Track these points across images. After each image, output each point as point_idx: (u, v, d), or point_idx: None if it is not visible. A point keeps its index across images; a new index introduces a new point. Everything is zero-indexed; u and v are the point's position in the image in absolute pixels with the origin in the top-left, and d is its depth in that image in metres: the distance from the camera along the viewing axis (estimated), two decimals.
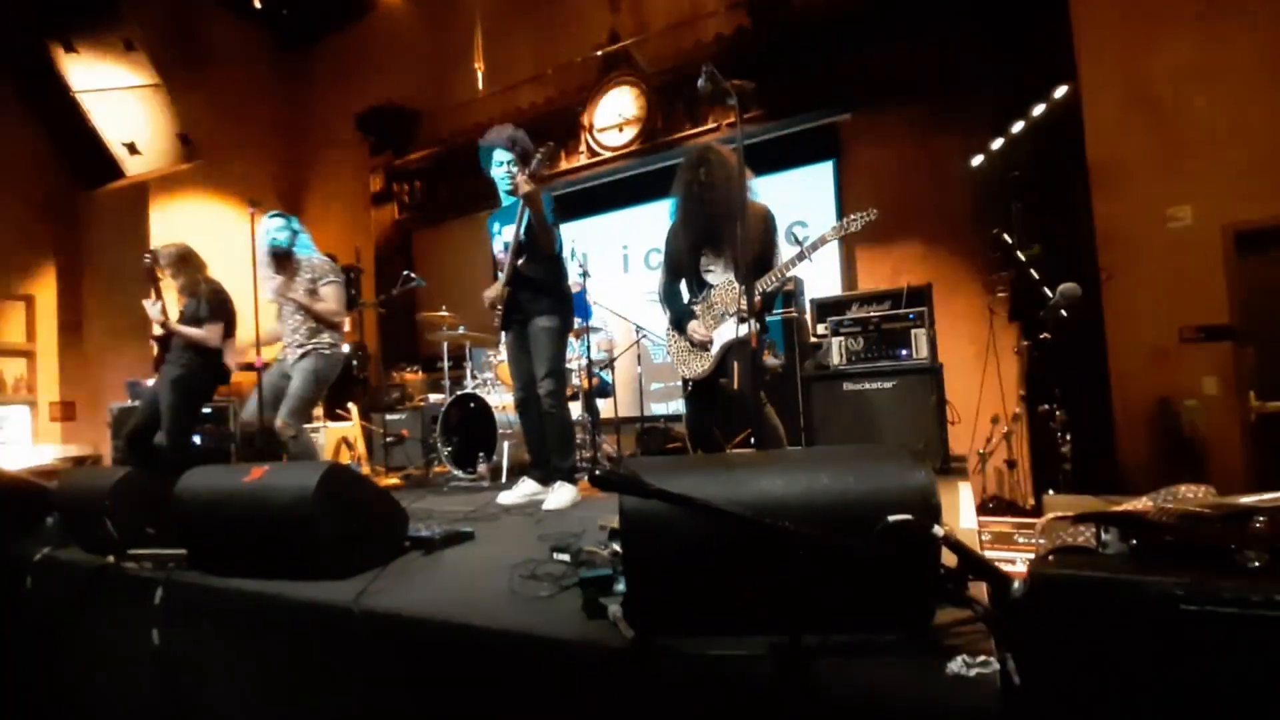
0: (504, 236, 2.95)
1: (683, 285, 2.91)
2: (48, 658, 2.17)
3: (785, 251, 2.77)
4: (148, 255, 3.61)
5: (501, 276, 2.92)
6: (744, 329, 2.58)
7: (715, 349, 2.76)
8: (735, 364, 2.66)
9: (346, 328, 3.48)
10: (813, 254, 2.62)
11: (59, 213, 6.89)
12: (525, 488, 2.96)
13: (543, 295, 2.88)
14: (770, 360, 3.22)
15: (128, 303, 3.70)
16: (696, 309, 2.82)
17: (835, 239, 2.67)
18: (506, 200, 3.02)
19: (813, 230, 5.26)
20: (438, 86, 7.07)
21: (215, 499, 1.83)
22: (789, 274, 2.73)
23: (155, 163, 6.25)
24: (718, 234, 2.72)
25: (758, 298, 2.60)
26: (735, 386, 2.67)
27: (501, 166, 2.93)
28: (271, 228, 3.25)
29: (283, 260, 3.25)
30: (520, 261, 2.84)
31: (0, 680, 2.31)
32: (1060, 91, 3.91)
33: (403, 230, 7.38)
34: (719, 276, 2.80)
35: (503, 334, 3.07)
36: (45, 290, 6.84)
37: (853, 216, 2.61)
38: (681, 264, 2.86)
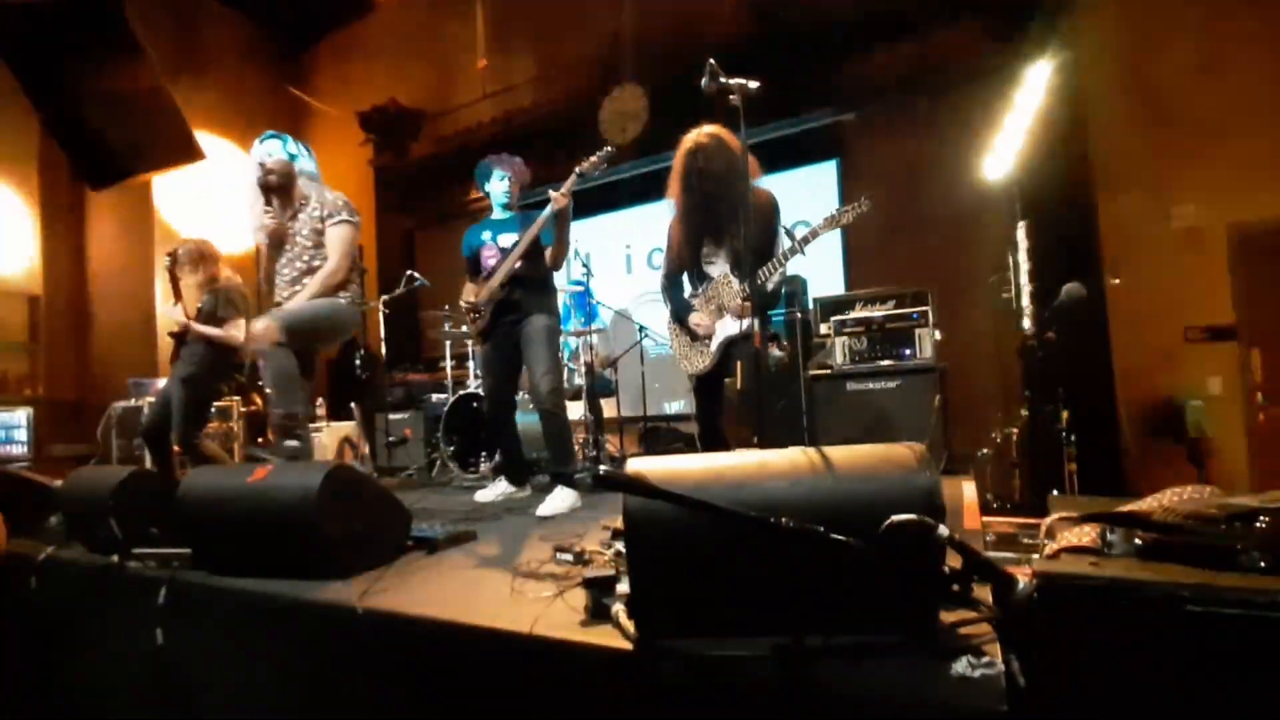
0: (500, 243, 2.94)
1: (684, 278, 2.85)
2: (52, 657, 2.18)
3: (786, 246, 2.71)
4: (168, 255, 3.49)
5: (495, 277, 2.86)
6: (745, 323, 2.50)
7: (715, 344, 2.70)
8: (739, 361, 2.58)
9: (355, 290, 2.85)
10: (805, 247, 2.55)
11: (64, 212, 6.91)
12: (500, 487, 3.02)
13: (539, 294, 2.88)
14: (774, 352, 3.12)
15: (132, 301, 3.66)
16: (696, 302, 2.76)
17: (828, 231, 2.59)
18: (502, 214, 3.04)
19: None
20: (440, 86, 7.07)
21: (219, 499, 1.84)
22: (783, 269, 2.63)
23: (160, 162, 6.27)
24: (718, 224, 2.64)
25: (760, 282, 2.51)
26: (739, 385, 2.59)
27: (503, 181, 2.99)
28: (264, 152, 2.69)
29: (280, 193, 2.71)
30: (519, 264, 2.83)
31: (5, 679, 2.32)
32: (1065, 90, 3.89)
33: (405, 230, 7.39)
34: (718, 269, 2.73)
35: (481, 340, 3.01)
36: (50, 289, 6.87)
37: (844, 207, 2.57)
38: (682, 257, 2.79)
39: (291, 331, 2.53)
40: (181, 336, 3.47)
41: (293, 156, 2.74)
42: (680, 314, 2.78)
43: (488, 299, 2.87)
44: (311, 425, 5.61)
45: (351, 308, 2.78)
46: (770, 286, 2.63)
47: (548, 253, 2.84)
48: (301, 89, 8.26)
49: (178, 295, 3.45)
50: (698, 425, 2.88)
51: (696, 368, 2.76)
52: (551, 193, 2.71)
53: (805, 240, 2.55)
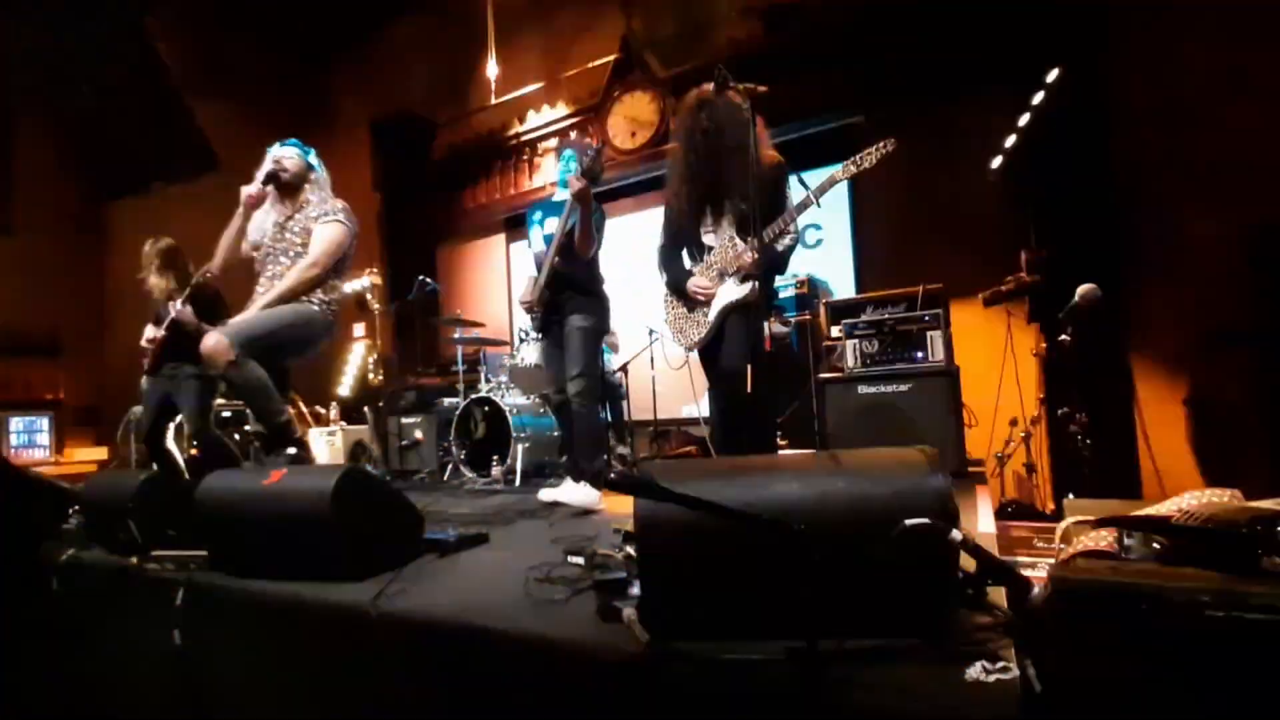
0: (545, 229, 3.00)
1: (684, 255, 2.66)
2: (72, 657, 2.21)
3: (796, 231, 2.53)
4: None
5: (540, 276, 2.92)
6: (746, 288, 2.36)
7: (714, 313, 2.48)
8: (727, 334, 2.40)
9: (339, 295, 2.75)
10: (820, 198, 2.39)
11: (85, 222, 7.06)
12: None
13: (578, 294, 2.90)
14: (776, 327, 2.93)
15: (150, 311, 3.71)
16: (696, 270, 2.56)
17: (846, 178, 2.44)
18: (562, 193, 3.03)
19: (827, 234, 5.25)
20: (452, 96, 7.14)
21: (235, 501, 1.86)
22: (794, 229, 2.49)
23: (178, 173, 6.39)
24: (720, 189, 2.47)
25: (769, 241, 2.34)
26: (722, 360, 2.37)
27: (567, 162, 3.01)
28: (282, 153, 2.73)
29: (287, 189, 2.71)
30: (557, 260, 2.85)
31: (27, 679, 2.36)
32: (1083, 91, 3.85)
33: (418, 238, 7.46)
34: (719, 236, 2.55)
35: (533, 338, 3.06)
36: (71, 297, 7.00)
37: (866, 151, 2.40)
38: (682, 226, 2.58)
39: (248, 346, 2.39)
40: (170, 342, 3.37)
41: (310, 166, 2.81)
42: (678, 282, 2.57)
43: (536, 301, 2.94)
44: (326, 429, 5.71)
45: (322, 313, 2.63)
46: (780, 248, 2.44)
47: (576, 239, 2.79)
48: (318, 99, 8.37)
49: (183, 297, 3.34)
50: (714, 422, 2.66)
51: (693, 340, 2.55)
52: (569, 178, 2.70)
53: (822, 190, 2.38)
